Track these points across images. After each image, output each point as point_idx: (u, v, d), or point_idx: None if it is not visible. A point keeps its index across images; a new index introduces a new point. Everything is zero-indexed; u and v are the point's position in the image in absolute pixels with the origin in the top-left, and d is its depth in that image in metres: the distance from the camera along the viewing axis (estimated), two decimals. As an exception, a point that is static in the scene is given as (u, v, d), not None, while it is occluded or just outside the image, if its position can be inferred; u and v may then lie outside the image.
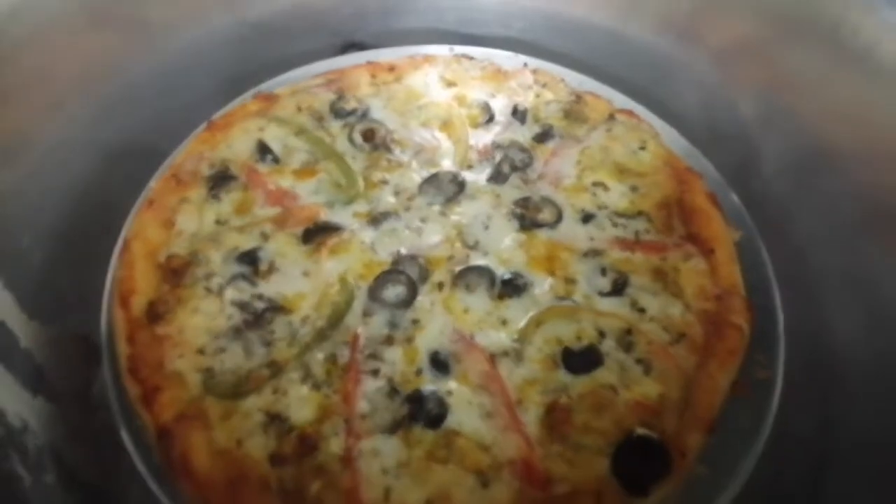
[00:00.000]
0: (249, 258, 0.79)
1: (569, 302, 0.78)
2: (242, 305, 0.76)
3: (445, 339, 0.75)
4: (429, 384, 0.72)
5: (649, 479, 0.68)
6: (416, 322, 0.76)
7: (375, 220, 0.83)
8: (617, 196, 0.87)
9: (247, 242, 0.80)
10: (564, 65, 1.05)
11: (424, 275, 0.79)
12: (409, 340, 0.75)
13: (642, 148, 0.92)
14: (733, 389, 0.76)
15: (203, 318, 0.75)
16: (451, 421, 0.70)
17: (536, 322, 0.76)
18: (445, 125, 0.92)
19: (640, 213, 0.86)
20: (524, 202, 0.85)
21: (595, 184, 0.88)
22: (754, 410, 0.76)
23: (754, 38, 0.99)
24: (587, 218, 0.85)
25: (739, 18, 1.00)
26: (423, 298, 0.77)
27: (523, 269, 0.80)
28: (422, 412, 0.70)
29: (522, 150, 0.90)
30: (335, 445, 0.68)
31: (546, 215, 0.84)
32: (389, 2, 1.10)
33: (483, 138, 0.92)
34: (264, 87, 0.99)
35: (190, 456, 0.67)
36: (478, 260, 0.81)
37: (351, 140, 0.90)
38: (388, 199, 0.85)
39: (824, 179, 0.92)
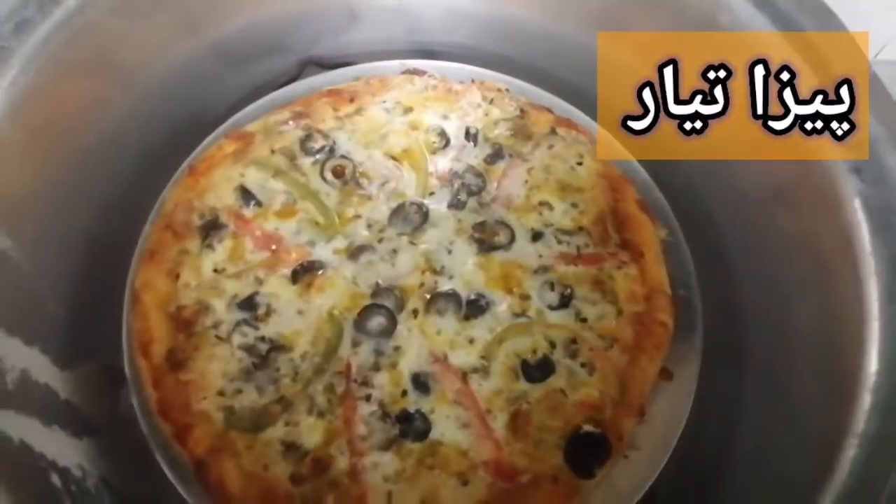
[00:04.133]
0: (249, 304, 0.91)
1: (524, 318, 0.93)
2: (249, 349, 0.89)
3: (423, 362, 0.90)
4: (413, 404, 0.88)
5: (594, 463, 0.86)
6: (397, 348, 0.91)
7: (353, 254, 0.96)
8: (560, 214, 1.00)
9: (244, 289, 0.92)
10: (507, 72, 1.15)
11: (400, 304, 0.93)
12: (394, 365, 0.90)
13: (579, 163, 1.04)
14: (660, 375, 0.94)
15: (218, 363, 0.88)
16: (435, 433, 0.86)
17: (498, 340, 0.91)
18: (406, 153, 1.03)
19: (580, 229, 1.00)
20: (481, 226, 0.98)
21: (541, 203, 1.01)
22: (677, 393, 0.94)
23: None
24: (536, 236, 0.99)
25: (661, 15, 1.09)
26: (402, 326, 0.92)
27: (484, 289, 0.95)
28: (410, 430, 0.86)
29: (477, 174, 1.02)
30: (342, 463, 0.84)
31: (501, 238, 0.98)
32: (340, 19, 1.17)
33: (441, 164, 1.03)
34: (235, 120, 1.07)
35: (225, 480, 0.83)
36: (445, 285, 0.95)
37: (323, 177, 1.00)
38: (362, 233, 0.98)
39: (732, 170, 1.06)
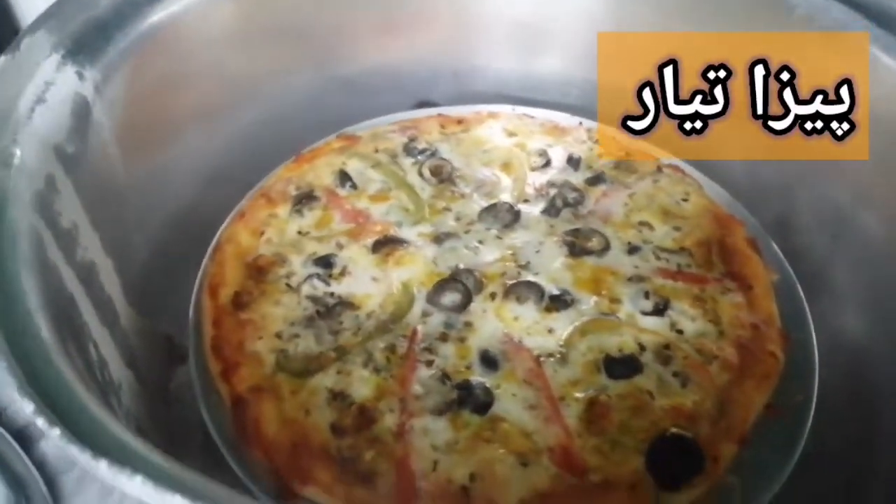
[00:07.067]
0: (325, 262, 0.89)
1: (612, 318, 0.84)
2: (316, 299, 0.85)
3: (495, 341, 0.82)
4: (478, 377, 0.79)
5: (682, 476, 0.72)
6: (469, 325, 0.83)
7: (438, 239, 0.92)
8: (661, 234, 0.94)
9: (324, 249, 0.90)
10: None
11: (479, 286, 0.87)
12: (462, 340, 0.82)
13: (685, 199, 0.99)
14: (767, 411, 0.80)
15: (282, 308, 0.84)
16: (497, 409, 0.76)
17: (581, 332, 0.83)
18: (506, 165, 1.03)
19: (682, 249, 0.92)
20: (574, 232, 0.94)
21: (641, 223, 0.95)
22: (788, 430, 0.79)
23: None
24: (633, 250, 0.92)
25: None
26: (477, 305, 0.85)
27: (570, 287, 0.88)
28: (470, 398, 0.76)
29: (575, 189, 0.99)
30: (390, 421, 0.75)
31: (594, 244, 0.92)
32: (460, 67, 1.24)
33: (539, 179, 1.02)
34: (347, 130, 1.12)
35: (261, 421, 0.75)
36: (528, 277, 0.89)
37: (420, 174, 1.01)
38: (450, 223, 0.95)
39: (861, 234, 0.98)
